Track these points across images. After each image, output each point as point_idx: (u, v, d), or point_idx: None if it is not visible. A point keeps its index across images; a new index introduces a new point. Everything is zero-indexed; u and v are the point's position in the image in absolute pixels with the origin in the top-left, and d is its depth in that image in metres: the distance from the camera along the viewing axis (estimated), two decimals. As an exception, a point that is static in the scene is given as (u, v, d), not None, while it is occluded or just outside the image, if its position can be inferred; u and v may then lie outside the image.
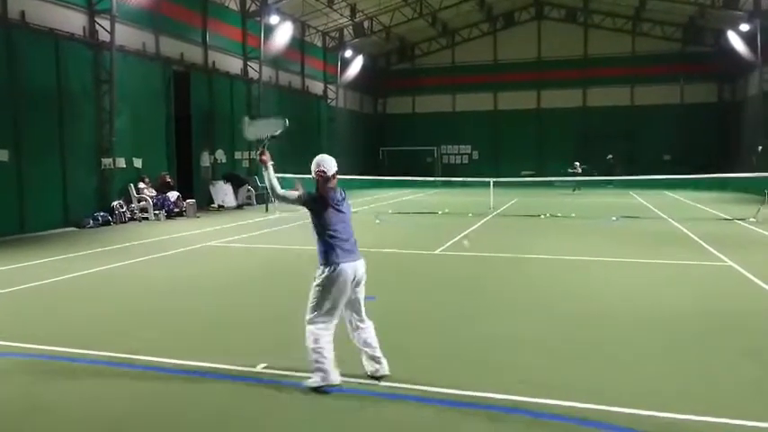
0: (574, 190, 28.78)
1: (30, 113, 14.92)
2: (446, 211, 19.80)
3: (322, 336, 4.63)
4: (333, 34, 32.67)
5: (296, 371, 5.08)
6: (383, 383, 4.77)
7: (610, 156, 32.79)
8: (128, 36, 18.19)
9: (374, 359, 4.79)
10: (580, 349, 5.71)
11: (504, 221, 17.05)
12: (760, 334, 6.19)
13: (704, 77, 34.91)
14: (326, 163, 4.82)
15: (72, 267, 10.06)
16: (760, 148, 27.29)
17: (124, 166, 17.80)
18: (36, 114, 15.12)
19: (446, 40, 39.22)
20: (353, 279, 4.66)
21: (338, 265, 4.59)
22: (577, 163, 29.81)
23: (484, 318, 6.89)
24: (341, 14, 30.30)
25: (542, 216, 17.96)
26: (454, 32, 38.70)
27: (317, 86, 32.13)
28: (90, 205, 16.59)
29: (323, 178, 4.78)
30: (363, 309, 4.85)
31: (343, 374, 4.76)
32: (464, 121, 39.13)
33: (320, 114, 32.09)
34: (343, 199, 4.85)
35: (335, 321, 4.74)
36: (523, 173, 32.14)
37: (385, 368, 4.80)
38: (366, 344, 4.78)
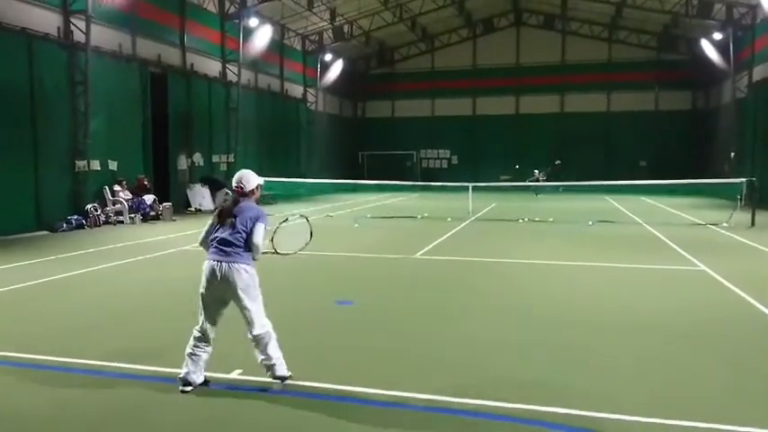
0: (537, 194, 29.38)
1: (0, 114, 14.60)
2: (425, 215, 19.83)
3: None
4: (312, 38, 32.61)
5: (270, 378, 5.02)
6: (378, 391, 4.75)
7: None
8: (103, 37, 17.93)
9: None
10: (554, 353, 5.74)
11: (482, 226, 17.13)
12: (733, 338, 6.29)
13: (678, 85, 35.57)
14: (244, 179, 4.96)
15: (43, 272, 9.85)
16: (732, 154, 27.86)
17: (99, 168, 17.50)
18: (7, 115, 14.78)
19: (425, 45, 39.40)
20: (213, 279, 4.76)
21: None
22: (536, 171, 30.59)
23: (462, 321, 6.89)
24: (320, 18, 30.26)
25: (520, 221, 18.09)
26: (434, 37, 38.89)
27: (296, 90, 32.02)
28: (63, 208, 16.27)
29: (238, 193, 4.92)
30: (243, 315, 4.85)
31: (327, 382, 4.70)
32: (443, 125, 39.32)
33: (299, 118, 31.98)
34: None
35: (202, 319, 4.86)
36: (502, 177, 32.37)
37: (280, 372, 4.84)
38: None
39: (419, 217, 19.35)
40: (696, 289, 8.70)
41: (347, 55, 35.87)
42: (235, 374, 5.11)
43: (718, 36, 28.33)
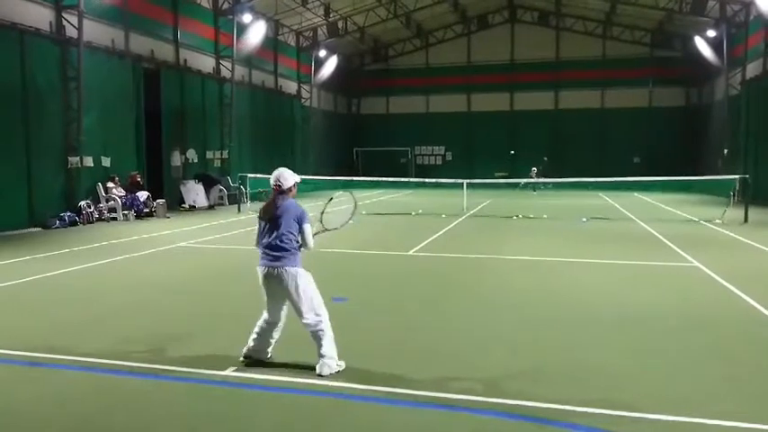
0: (534, 190, 30.35)
1: (-7, 110, 14.53)
2: (420, 212, 19.84)
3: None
4: (307, 34, 32.50)
5: (265, 375, 5.02)
6: (359, 386, 4.75)
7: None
8: (96, 32, 17.82)
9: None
10: (547, 348, 5.76)
11: (477, 222, 17.14)
12: (725, 333, 6.32)
13: (672, 82, 35.65)
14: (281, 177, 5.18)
15: (36, 269, 9.81)
16: (726, 151, 27.97)
17: (92, 165, 17.41)
18: (-1, 111, 14.72)
19: (420, 42, 39.35)
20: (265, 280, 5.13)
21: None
22: (534, 168, 31.26)
23: (456, 318, 6.90)
24: (315, 14, 30.16)
25: (515, 217, 18.12)
26: (428, 34, 38.84)
27: (290, 86, 31.93)
28: (56, 205, 16.19)
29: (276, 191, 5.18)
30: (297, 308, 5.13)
31: (314, 377, 4.70)
32: (438, 122, 39.31)
33: (294, 114, 31.90)
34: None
35: (266, 309, 5.23)
36: (497, 174, 32.42)
37: (324, 371, 5.01)
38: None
39: (413, 214, 19.36)
40: (689, 285, 8.73)
41: (342, 51, 35.79)
42: (229, 371, 5.10)
43: (711, 33, 28.42)
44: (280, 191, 5.11)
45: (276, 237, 5.03)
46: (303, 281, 5.04)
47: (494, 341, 6.03)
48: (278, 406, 4.49)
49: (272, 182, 5.14)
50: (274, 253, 5.02)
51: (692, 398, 4.59)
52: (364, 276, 9.39)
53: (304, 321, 5.05)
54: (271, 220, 5.06)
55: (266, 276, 5.08)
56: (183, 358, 5.46)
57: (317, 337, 5.02)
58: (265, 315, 5.22)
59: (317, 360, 5.02)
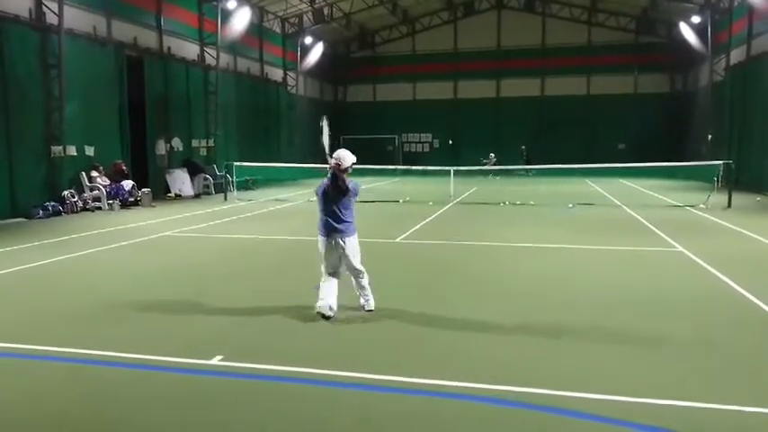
0: (496, 176, 31.12)
1: (-28, 99, 14.26)
2: (407, 199, 19.84)
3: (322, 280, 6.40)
4: (292, 20, 32.19)
5: (252, 363, 5.02)
6: (347, 373, 4.77)
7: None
8: (77, 19, 17.51)
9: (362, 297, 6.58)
10: (537, 334, 5.80)
11: (464, 209, 17.18)
12: (710, 317, 6.40)
13: (657, 68, 35.79)
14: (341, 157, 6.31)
15: (20, 259, 9.69)
16: (710, 137, 28.21)
17: (75, 154, 17.18)
18: (-21, 100, 14.45)
19: (406, 28, 39.12)
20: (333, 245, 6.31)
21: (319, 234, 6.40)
22: (492, 154, 32.13)
23: (443, 304, 6.93)
24: (300, 0, 29.85)
25: (502, 204, 18.18)
26: (414, 20, 38.62)
27: (276, 73, 31.65)
28: (39, 195, 15.98)
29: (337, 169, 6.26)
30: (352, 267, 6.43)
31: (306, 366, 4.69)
32: (425, 109, 39.20)
33: (280, 101, 31.65)
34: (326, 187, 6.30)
35: (328, 273, 6.40)
36: (482, 161, 32.49)
37: (370, 305, 6.50)
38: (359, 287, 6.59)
39: (401, 201, 19.35)
40: (674, 269, 8.83)
41: (327, 38, 35.50)
42: (216, 360, 5.09)
43: (696, 19, 28.52)
44: (339, 169, 6.13)
45: (339, 207, 6.14)
46: (357, 245, 6.40)
47: (480, 326, 6.06)
48: (265, 395, 4.49)
49: (332, 161, 6.14)
50: (337, 224, 6.18)
51: (680, 382, 4.65)
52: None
53: (356, 269, 6.41)
54: (336, 194, 6.11)
55: (328, 244, 6.22)
56: (170, 348, 5.44)
57: (360, 283, 6.47)
58: (326, 271, 6.35)
59: (359, 301, 6.51)
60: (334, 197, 6.16)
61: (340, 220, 6.16)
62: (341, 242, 6.22)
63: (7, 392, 4.56)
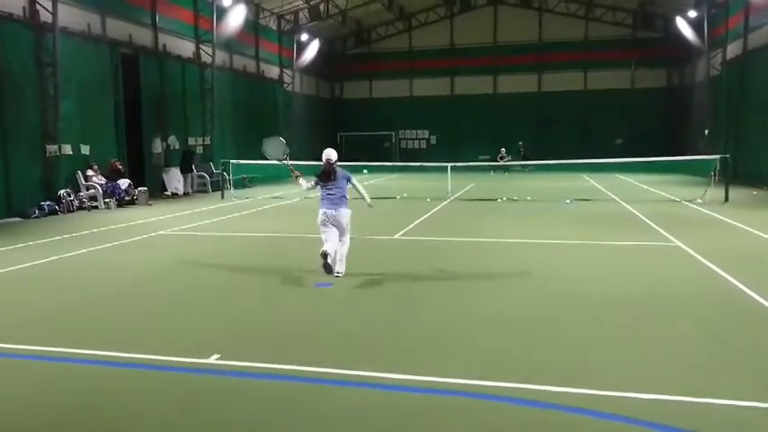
0: (505, 172, 31.58)
1: (-34, 98, 14.18)
2: (404, 195, 19.80)
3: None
4: (288, 17, 32.08)
5: (250, 361, 4.99)
6: (347, 371, 4.75)
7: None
8: (71, 17, 17.42)
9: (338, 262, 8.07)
10: (534, 330, 5.78)
11: (462, 206, 17.16)
12: (708, 312, 6.39)
13: (654, 63, 35.78)
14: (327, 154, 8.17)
15: (15, 259, 9.65)
16: (707, 131, 28.20)
17: (71, 153, 17.10)
18: (-27, 99, 14.37)
19: (403, 24, 39.04)
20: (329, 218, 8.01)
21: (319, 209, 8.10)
22: (503, 149, 32.30)
23: (440, 300, 6.90)
24: (296, -3, 29.77)
25: (499, 199, 18.16)
26: (411, 16, 38.53)
27: (272, 70, 31.56)
28: (35, 194, 15.91)
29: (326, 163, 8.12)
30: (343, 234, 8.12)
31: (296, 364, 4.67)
32: (422, 105, 39.14)
33: (276, 99, 31.57)
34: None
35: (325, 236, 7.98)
36: (480, 157, 32.48)
37: (341, 270, 8.02)
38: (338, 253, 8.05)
39: (398, 197, 19.32)
40: (672, 264, 8.82)
41: (324, 35, 35.41)
42: (213, 359, 5.06)
43: (692, 14, 28.49)
44: (331, 162, 8.04)
45: (334, 188, 7.99)
46: (350, 218, 8.12)
47: (479, 323, 6.04)
48: (262, 393, 4.46)
49: (324, 158, 8.06)
50: (335, 200, 7.96)
51: (679, 377, 4.63)
52: (349, 261, 9.33)
53: (344, 238, 8.09)
54: (331, 180, 7.98)
55: (327, 217, 7.91)
56: (167, 347, 5.41)
57: (345, 248, 8.11)
58: (327, 242, 7.84)
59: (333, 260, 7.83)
60: (326, 182, 8.05)
61: (334, 197, 7.99)
62: (335, 213, 7.93)
63: (2, 392, 4.52)
